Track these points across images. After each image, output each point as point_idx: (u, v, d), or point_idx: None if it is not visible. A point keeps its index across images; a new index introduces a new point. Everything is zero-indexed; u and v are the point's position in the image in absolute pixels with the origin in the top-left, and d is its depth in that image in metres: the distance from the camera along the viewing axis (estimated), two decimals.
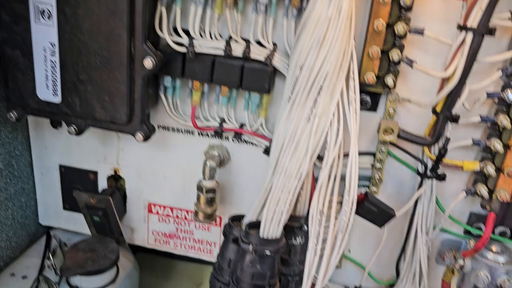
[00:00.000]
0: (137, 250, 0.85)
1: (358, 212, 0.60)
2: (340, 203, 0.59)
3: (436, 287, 0.68)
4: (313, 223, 0.54)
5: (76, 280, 0.71)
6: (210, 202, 0.66)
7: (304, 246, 0.57)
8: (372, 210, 0.59)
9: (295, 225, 0.58)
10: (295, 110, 0.51)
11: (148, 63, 0.57)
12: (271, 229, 0.54)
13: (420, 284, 0.68)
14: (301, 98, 0.51)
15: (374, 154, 0.64)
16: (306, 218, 0.56)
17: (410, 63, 0.56)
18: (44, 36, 0.57)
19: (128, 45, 0.56)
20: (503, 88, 0.57)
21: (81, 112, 0.62)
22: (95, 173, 0.76)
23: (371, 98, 0.61)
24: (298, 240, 0.58)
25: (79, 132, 0.64)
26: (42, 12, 0.56)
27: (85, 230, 0.79)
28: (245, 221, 0.58)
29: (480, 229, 0.65)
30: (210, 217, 0.67)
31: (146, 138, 0.63)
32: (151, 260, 0.95)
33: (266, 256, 0.53)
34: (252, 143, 0.67)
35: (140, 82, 0.59)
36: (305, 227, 0.57)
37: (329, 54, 0.49)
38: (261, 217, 0.55)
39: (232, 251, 0.58)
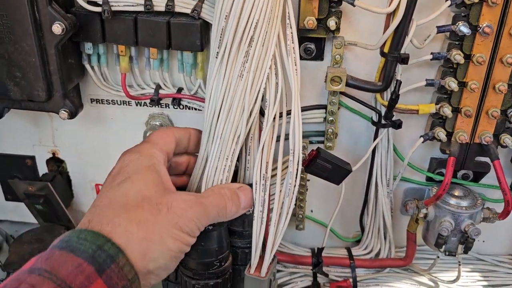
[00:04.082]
0: None
1: (311, 171, 0.56)
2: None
3: (402, 239, 0.66)
4: (257, 189, 0.49)
5: None
6: None
7: None
8: (327, 167, 0.55)
9: None
10: (224, 67, 0.46)
11: (57, 28, 0.50)
12: None
13: (385, 237, 0.66)
14: (231, 53, 0.45)
15: (325, 107, 0.59)
16: None
17: (351, 1, 0.50)
18: None
19: (31, 9, 0.49)
20: (454, 20, 0.52)
21: None
22: (32, 158, 0.70)
23: (315, 45, 0.55)
24: (251, 210, 0.54)
25: None
26: None
27: (34, 219, 0.73)
28: None
29: (442, 174, 0.62)
30: None
31: (72, 115, 0.57)
32: None
33: (209, 230, 0.48)
34: (194, 108, 0.62)
35: (54, 51, 0.52)
36: None
37: None
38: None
39: None
